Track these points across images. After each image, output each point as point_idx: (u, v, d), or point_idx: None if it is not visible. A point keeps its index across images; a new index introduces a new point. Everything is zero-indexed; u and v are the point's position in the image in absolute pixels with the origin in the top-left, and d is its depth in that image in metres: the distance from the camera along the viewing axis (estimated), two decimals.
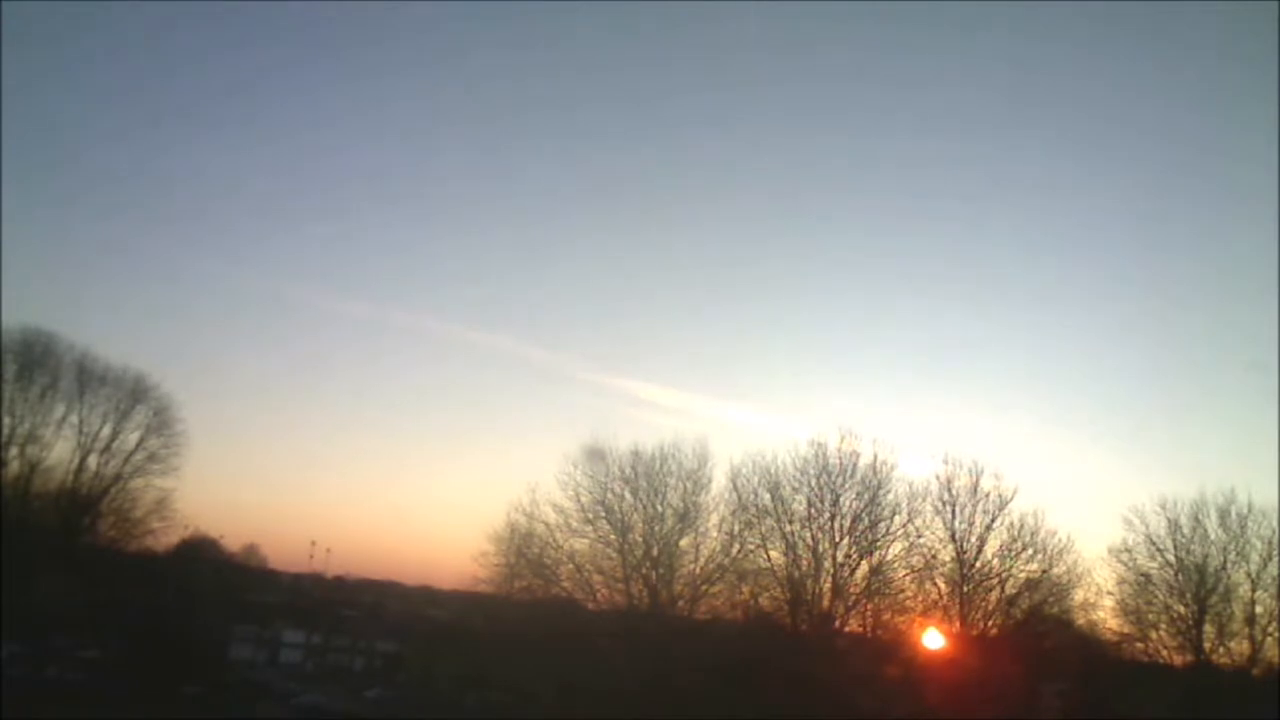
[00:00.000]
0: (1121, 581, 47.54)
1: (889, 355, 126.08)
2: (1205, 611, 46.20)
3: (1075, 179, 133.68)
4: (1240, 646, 46.00)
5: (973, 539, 46.47)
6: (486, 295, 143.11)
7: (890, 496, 47.14)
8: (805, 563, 47.12)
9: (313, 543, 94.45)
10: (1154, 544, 47.04)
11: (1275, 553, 45.60)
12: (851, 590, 47.39)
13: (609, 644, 44.84)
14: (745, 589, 48.30)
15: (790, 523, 47.34)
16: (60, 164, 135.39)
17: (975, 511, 46.60)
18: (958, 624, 46.34)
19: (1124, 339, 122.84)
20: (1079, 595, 47.01)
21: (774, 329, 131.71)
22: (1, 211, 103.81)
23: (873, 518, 47.03)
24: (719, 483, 48.74)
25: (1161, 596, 47.20)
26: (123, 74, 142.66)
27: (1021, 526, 46.18)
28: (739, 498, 48.13)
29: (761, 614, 48.17)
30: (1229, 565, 46.16)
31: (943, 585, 46.96)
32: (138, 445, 55.15)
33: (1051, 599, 46.74)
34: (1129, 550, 47.37)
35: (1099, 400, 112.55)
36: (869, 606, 47.74)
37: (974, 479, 46.95)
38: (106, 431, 54.58)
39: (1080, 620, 47.80)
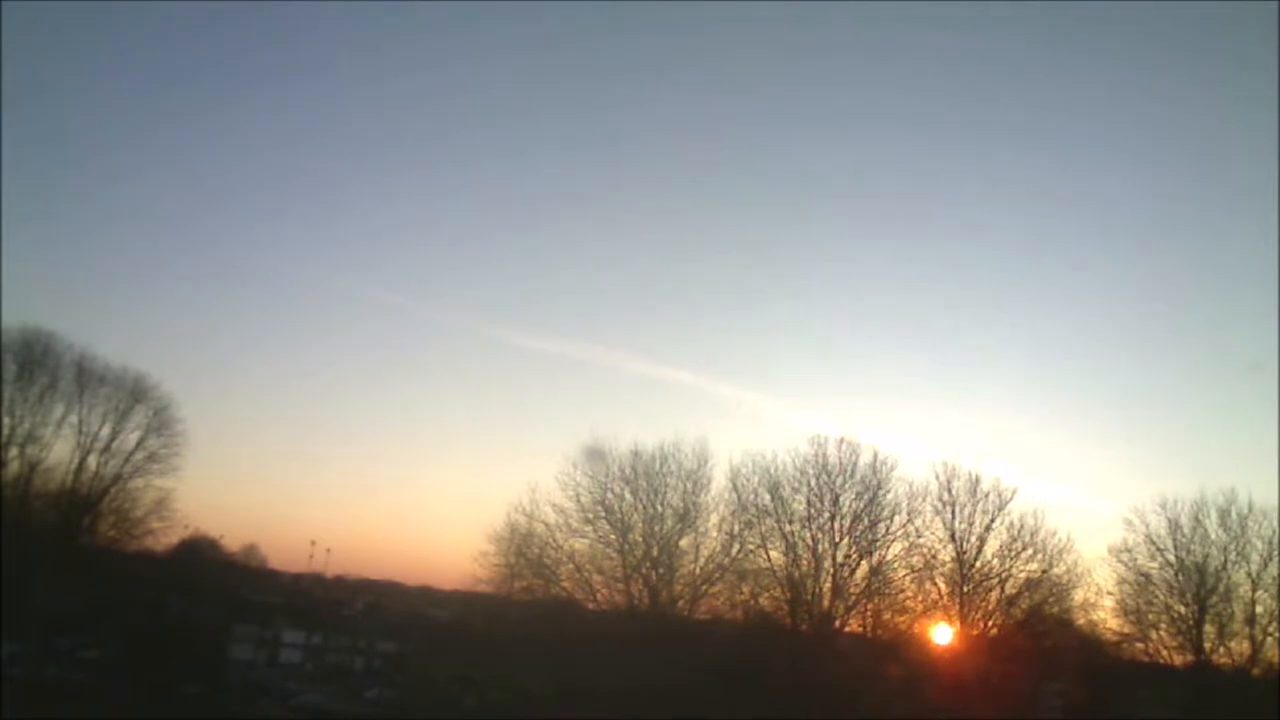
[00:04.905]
0: (1121, 581, 47.55)
1: (890, 355, 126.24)
2: (1205, 611, 46.14)
3: (1076, 180, 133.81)
4: (1240, 646, 45.97)
5: (973, 539, 46.54)
6: (492, 292, 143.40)
7: (890, 496, 47.31)
8: (805, 563, 47.15)
9: (313, 543, 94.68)
10: (1154, 544, 47.04)
11: (1275, 553, 45.57)
12: (851, 590, 47.41)
13: (609, 644, 44.79)
14: (745, 589, 48.33)
15: (790, 523, 47.41)
16: (61, 164, 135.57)
17: (975, 511, 46.68)
18: (958, 624, 46.35)
19: (1124, 339, 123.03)
20: (1079, 595, 47.06)
21: (777, 327, 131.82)
22: (1, 211, 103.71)
23: (873, 518, 47.11)
24: (719, 483, 48.90)
25: (1161, 596, 47.17)
26: (124, 74, 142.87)
27: (1021, 526, 46.28)
28: (739, 498, 48.25)
29: (761, 614, 48.14)
30: (1229, 565, 46.15)
31: (943, 585, 47.01)
32: (138, 445, 54.95)
33: (1051, 599, 46.71)
34: (1129, 550, 47.41)
35: (1100, 400, 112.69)
36: (869, 606, 47.75)
37: (974, 479, 47.05)
38: (106, 431, 54.34)
39: (1080, 620, 47.81)
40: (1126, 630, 47.73)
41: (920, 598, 47.31)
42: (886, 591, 47.43)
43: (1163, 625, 47.21)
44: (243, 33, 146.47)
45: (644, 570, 48.28)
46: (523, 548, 48.95)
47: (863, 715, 41.27)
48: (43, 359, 53.24)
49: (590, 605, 49.24)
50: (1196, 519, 46.72)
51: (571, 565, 48.97)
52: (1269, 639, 45.56)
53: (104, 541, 56.65)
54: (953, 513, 46.72)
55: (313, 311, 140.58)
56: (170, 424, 55.72)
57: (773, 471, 47.75)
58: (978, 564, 46.46)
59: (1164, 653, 47.16)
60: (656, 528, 48.42)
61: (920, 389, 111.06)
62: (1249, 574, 45.90)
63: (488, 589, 50.67)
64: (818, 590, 47.12)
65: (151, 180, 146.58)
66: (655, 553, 48.27)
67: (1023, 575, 46.29)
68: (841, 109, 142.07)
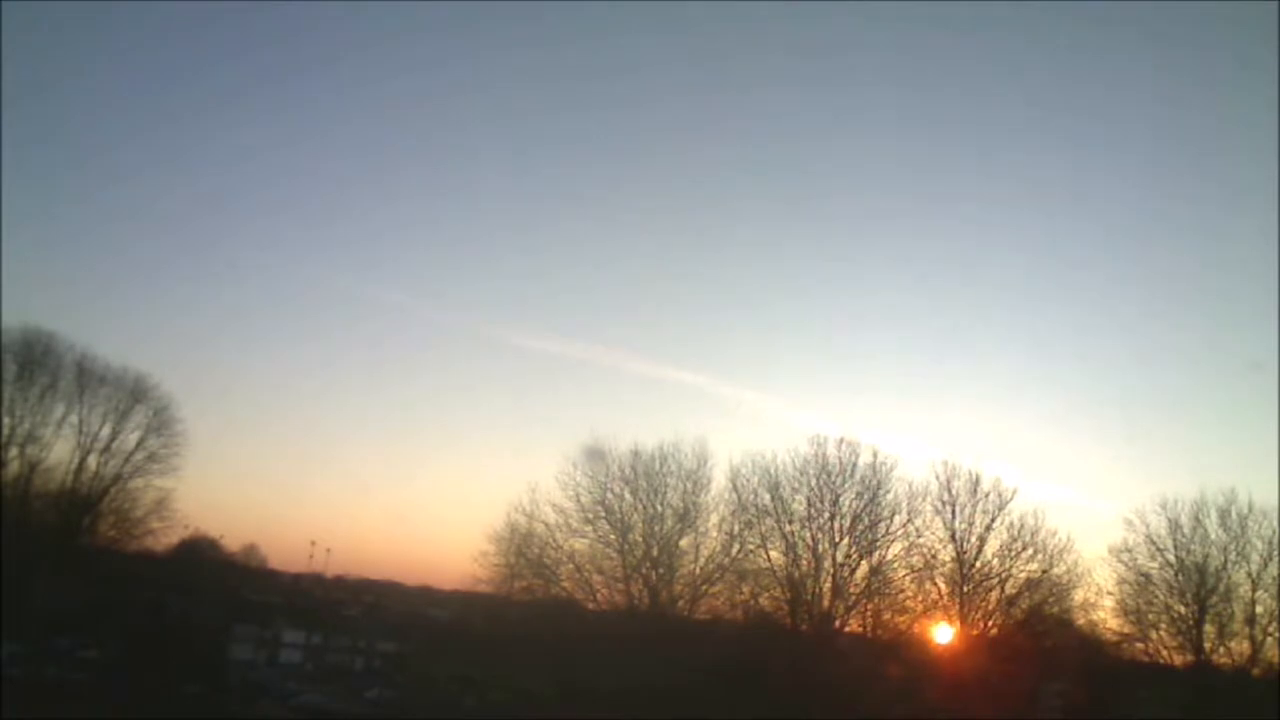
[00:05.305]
0: (1121, 581, 47.60)
1: (890, 355, 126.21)
2: (1205, 611, 46.15)
3: (1076, 179, 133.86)
4: (1240, 646, 46.00)
5: (973, 539, 46.58)
6: (492, 292, 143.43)
7: (890, 496, 47.36)
8: (805, 563, 47.16)
9: (313, 543, 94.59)
10: (1154, 544, 47.08)
11: (1275, 553, 45.59)
12: (851, 590, 47.44)
13: (609, 644, 44.81)
14: (745, 589, 48.34)
15: (790, 523, 47.44)
16: (61, 164, 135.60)
17: (975, 511, 46.72)
18: (958, 624, 46.37)
19: (1124, 339, 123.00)
20: (1079, 595, 47.13)
21: (777, 327, 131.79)
22: (1, 211, 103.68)
23: (873, 518, 47.13)
24: (719, 483, 48.93)
25: (1161, 596, 47.19)
26: (124, 74, 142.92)
27: (1021, 526, 46.34)
28: (739, 498, 48.28)
29: (761, 614, 48.16)
30: (1229, 565, 46.19)
31: (943, 585, 47.05)
32: (138, 445, 55.03)
33: (1051, 599, 46.74)
34: (1129, 550, 47.46)
35: (1099, 400, 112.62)
36: (869, 606, 47.78)
37: (974, 479, 47.07)
38: (106, 431, 54.44)
39: (1080, 620, 47.86)
40: (1126, 630, 47.79)
41: (920, 598, 47.40)
42: (886, 591, 47.49)
43: (1163, 625, 47.26)
44: (242, 33, 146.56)
45: (644, 570, 48.28)
46: (523, 548, 48.99)
47: (863, 715, 41.25)
48: (43, 359, 53.30)
49: (590, 605, 49.29)
50: (1196, 519, 46.83)
51: (571, 565, 49.04)
52: (1269, 639, 45.59)
53: (104, 541, 56.68)
54: (953, 513, 46.82)
55: (313, 311, 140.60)
56: (170, 424, 55.87)
57: (773, 471, 47.88)
58: (978, 564, 46.51)
59: (1164, 653, 47.24)
60: (656, 528, 48.45)
61: (920, 389, 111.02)
62: (1249, 574, 45.97)
63: (488, 589, 50.79)
64: (818, 590, 47.15)
65: (151, 180, 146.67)
66: (655, 553, 48.28)
67: (1023, 575, 46.38)
68: (842, 108, 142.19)
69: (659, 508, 48.50)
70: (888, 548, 47.16)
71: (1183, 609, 46.67)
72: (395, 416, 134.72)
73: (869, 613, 47.96)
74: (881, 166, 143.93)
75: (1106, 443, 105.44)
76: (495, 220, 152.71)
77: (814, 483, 47.33)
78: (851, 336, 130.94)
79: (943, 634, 46.64)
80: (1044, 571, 46.15)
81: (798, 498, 47.55)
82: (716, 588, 48.51)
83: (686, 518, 48.46)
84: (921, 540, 46.91)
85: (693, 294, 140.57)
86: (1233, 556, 46.10)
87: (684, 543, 48.61)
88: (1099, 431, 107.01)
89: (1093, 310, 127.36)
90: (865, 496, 47.18)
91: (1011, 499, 46.67)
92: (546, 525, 48.46)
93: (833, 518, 47.06)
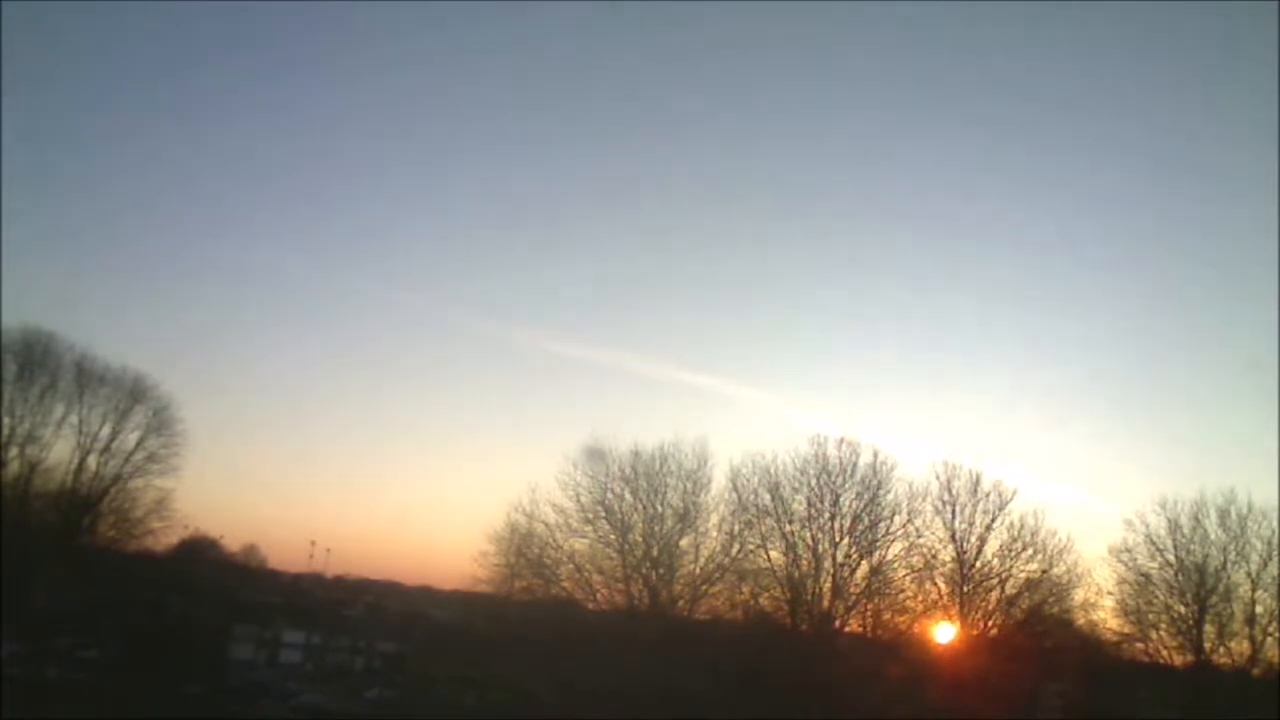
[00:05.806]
0: (1122, 581, 47.64)
1: (890, 355, 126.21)
2: (1205, 611, 46.18)
3: (1076, 179, 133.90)
4: (1240, 646, 46.05)
5: (973, 539, 46.61)
6: (492, 291, 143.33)
7: (890, 496, 47.38)
8: (805, 563, 47.17)
9: (313, 543, 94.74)
10: (1154, 544, 47.12)
11: (1275, 553, 45.64)
12: (851, 590, 47.44)
13: (609, 644, 44.79)
14: (745, 589, 48.34)
15: (790, 523, 47.44)
16: (60, 163, 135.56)
17: (975, 511, 46.75)
18: (958, 624, 46.38)
19: (1124, 339, 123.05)
20: (1079, 595, 47.19)
21: (778, 326, 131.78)
22: (1, 211, 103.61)
23: (873, 518, 47.14)
24: (719, 483, 48.88)
25: (1161, 596, 47.23)
26: (124, 73, 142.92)
27: (1021, 526, 46.38)
28: (739, 498, 48.26)
29: (761, 614, 48.16)
30: (1229, 565, 46.22)
31: (943, 585, 47.08)
32: (137, 445, 54.99)
33: (1051, 599, 46.77)
34: (1129, 550, 47.51)
35: (1099, 400, 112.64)
36: (869, 606, 47.80)
37: (974, 479, 47.09)
38: (106, 431, 54.38)
39: (1080, 620, 47.92)
40: (1126, 630, 47.84)
41: (920, 598, 47.43)
42: (886, 591, 47.50)
43: (1163, 625, 47.29)
44: (241, 30, 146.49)
45: (644, 570, 48.26)
46: (523, 548, 48.95)
47: (863, 716, 41.26)
48: (43, 359, 53.25)
49: (590, 605, 49.26)
50: (1196, 519, 46.88)
51: (571, 565, 48.99)
52: (1269, 639, 45.63)
53: (104, 541, 56.64)
54: (953, 513, 46.86)
55: (313, 310, 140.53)
56: (170, 424, 55.83)
57: (773, 471, 47.86)
58: (978, 564, 46.54)
59: (1164, 653, 47.29)
60: (656, 528, 48.43)
61: (920, 389, 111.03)
62: (1249, 574, 46.01)
63: (488, 589, 50.71)
64: (818, 590, 47.15)
65: (151, 179, 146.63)
66: (655, 553, 48.25)
67: (1023, 575, 46.42)
68: (842, 105, 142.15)
69: (659, 508, 48.52)
70: (888, 548, 47.26)
71: (1183, 609, 46.71)
72: (395, 416, 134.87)
73: (869, 613, 48.01)
74: (881, 164, 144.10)
75: (1106, 443, 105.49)
76: (496, 219, 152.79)
77: (814, 483, 47.41)
78: (851, 336, 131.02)
79: (943, 634, 46.71)
80: (1044, 571, 46.21)
81: (798, 498, 47.64)
82: (716, 588, 48.53)
83: (686, 518, 48.49)
84: (921, 540, 47.03)
85: (693, 294, 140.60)
86: (1232, 556, 46.19)
87: (684, 543, 48.65)
88: (1099, 431, 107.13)
89: (1093, 309, 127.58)
90: (865, 496, 47.24)
91: (1011, 499, 46.81)
92: (546, 525, 48.49)
93: (833, 518, 47.12)
